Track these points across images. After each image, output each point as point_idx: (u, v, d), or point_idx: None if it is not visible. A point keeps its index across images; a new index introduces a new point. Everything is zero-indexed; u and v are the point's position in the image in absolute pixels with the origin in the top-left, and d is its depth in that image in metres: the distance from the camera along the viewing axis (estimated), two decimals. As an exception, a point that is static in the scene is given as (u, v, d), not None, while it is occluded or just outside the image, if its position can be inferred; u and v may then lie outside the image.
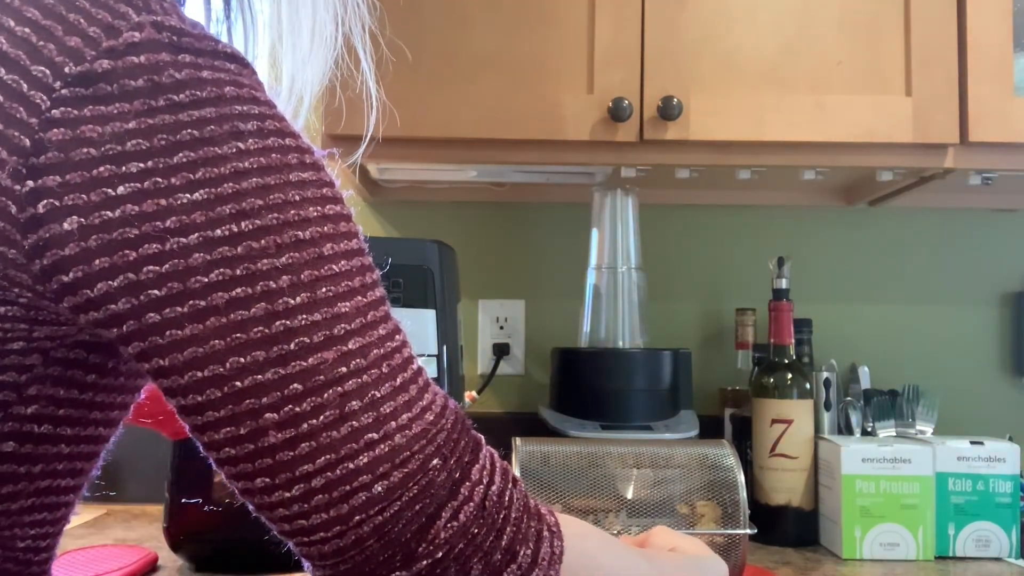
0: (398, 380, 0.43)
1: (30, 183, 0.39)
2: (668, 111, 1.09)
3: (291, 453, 0.40)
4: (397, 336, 0.45)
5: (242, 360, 0.40)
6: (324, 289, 0.42)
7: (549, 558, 0.45)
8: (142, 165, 0.39)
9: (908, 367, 1.45)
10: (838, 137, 1.12)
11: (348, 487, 0.41)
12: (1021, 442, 1.12)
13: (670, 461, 1.03)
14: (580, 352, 1.26)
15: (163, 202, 0.40)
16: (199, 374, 0.40)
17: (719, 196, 1.45)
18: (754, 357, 1.33)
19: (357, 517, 0.41)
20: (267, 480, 0.41)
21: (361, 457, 0.41)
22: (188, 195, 0.40)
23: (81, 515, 1.26)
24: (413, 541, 0.41)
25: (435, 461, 0.43)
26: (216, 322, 0.40)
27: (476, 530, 0.43)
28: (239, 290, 0.40)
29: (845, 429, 1.24)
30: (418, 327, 1.07)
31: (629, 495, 0.98)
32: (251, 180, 0.41)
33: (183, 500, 0.98)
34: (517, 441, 1.01)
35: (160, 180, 0.40)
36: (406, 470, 0.42)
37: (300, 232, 0.42)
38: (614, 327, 1.28)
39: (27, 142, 0.39)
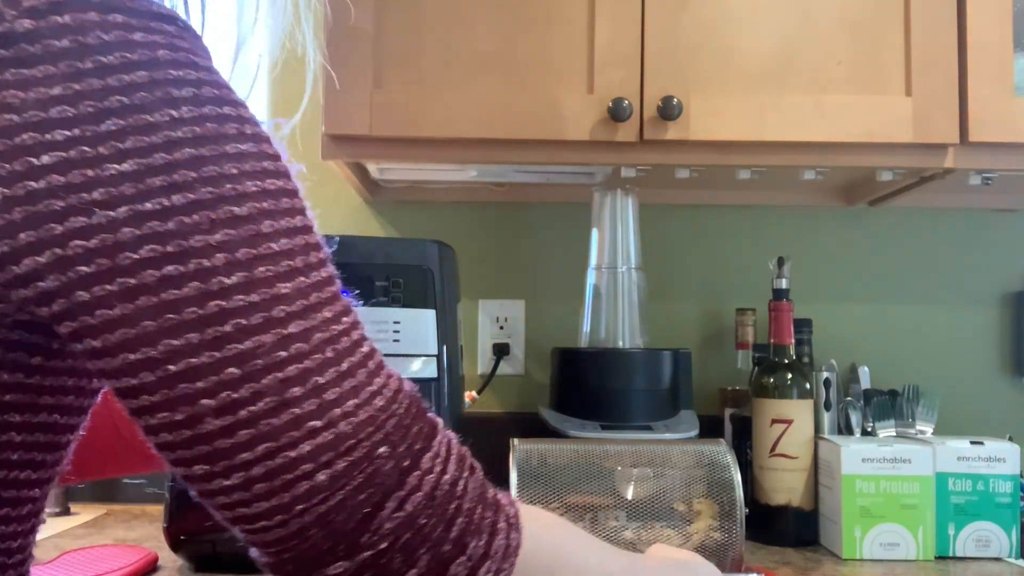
0: (344, 365, 0.41)
1: None
2: (668, 111, 1.09)
3: (229, 441, 0.39)
4: (344, 318, 0.43)
5: (175, 342, 0.38)
6: (263, 268, 0.40)
7: (503, 551, 0.43)
8: (68, 133, 0.37)
9: (908, 367, 1.45)
10: (838, 137, 1.11)
11: (289, 476, 0.39)
12: (1021, 442, 1.12)
13: (668, 461, 1.03)
14: (580, 352, 1.26)
15: (90, 172, 0.38)
16: (131, 356, 0.38)
17: (719, 196, 1.45)
18: (754, 357, 1.33)
19: (299, 507, 0.39)
20: (206, 467, 0.39)
21: (303, 445, 0.39)
22: (116, 166, 0.38)
23: (81, 515, 1.26)
24: (357, 531, 0.40)
25: (382, 449, 0.41)
26: (147, 301, 0.38)
27: (424, 520, 0.41)
28: (170, 268, 0.38)
29: (845, 429, 1.24)
30: (418, 327, 1.07)
31: (628, 495, 0.98)
32: (184, 151, 0.39)
33: (183, 500, 0.98)
34: (515, 441, 1.02)
35: (87, 149, 0.38)
36: (351, 459, 0.40)
37: (236, 208, 0.40)
38: (614, 327, 1.28)
39: None
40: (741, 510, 0.97)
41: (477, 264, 1.47)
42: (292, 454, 0.39)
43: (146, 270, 0.38)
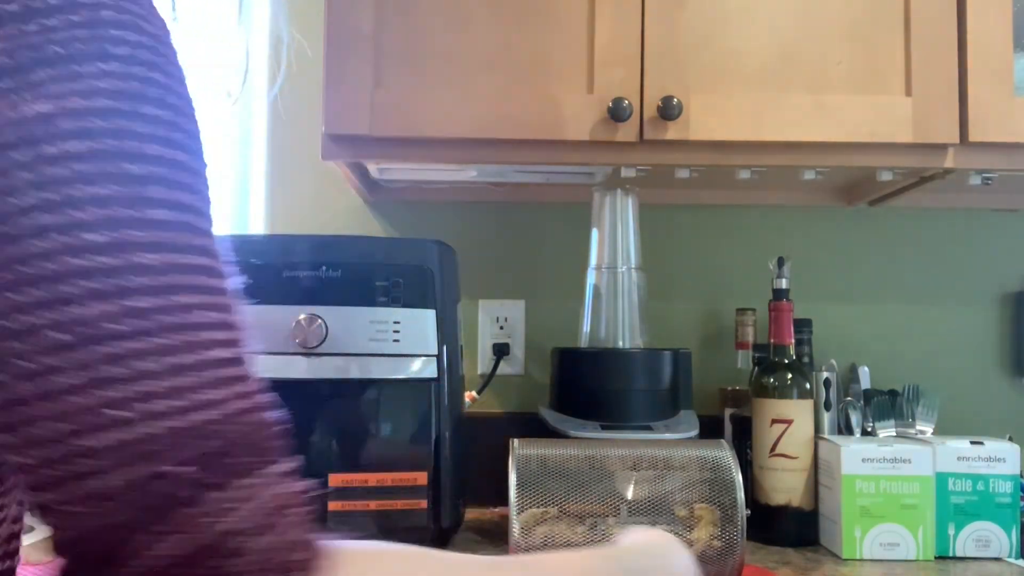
0: (185, 359, 0.37)
1: None
2: (668, 111, 1.09)
3: (27, 411, 0.35)
4: (212, 313, 0.38)
5: (15, 298, 0.35)
6: (133, 232, 0.37)
7: None
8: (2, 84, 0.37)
9: (908, 367, 1.45)
10: (838, 137, 1.11)
11: (74, 468, 0.34)
12: (1021, 442, 1.12)
13: (668, 462, 1.03)
14: (580, 352, 1.26)
15: (10, 114, 0.37)
16: None
17: (719, 196, 1.45)
18: (754, 357, 1.33)
19: (68, 507, 0.35)
20: (6, 436, 0.35)
21: (96, 437, 0.34)
22: (34, 106, 0.37)
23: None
24: (121, 553, 0.34)
25: (167, 467, 0.35)
26: (19, 249, 0.35)
27: (175, 573, 0.35)
28: (46, 217, 0.35)
29: (845, 429, 1.24)
30: (418, 327, 1.07)
31: (628, 497, 0.98)
32: (100, 101, 0.38)
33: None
34: (515, 442, 1.01)
35: (14, 95, 0.37)
36: (148, 470, 0.35)
37: (132, 165, 0.38)
38: (614, 327, 1.28)
39: None
40: (743, 513, 0.96)
41: (477, 264, 1.46)
42: (81, 443, 0.34)
43: (19, 218, 0.36)
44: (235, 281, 0.41)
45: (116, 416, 0.35)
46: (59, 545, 0.36)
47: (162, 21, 0.43)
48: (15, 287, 0.35)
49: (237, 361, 0.39)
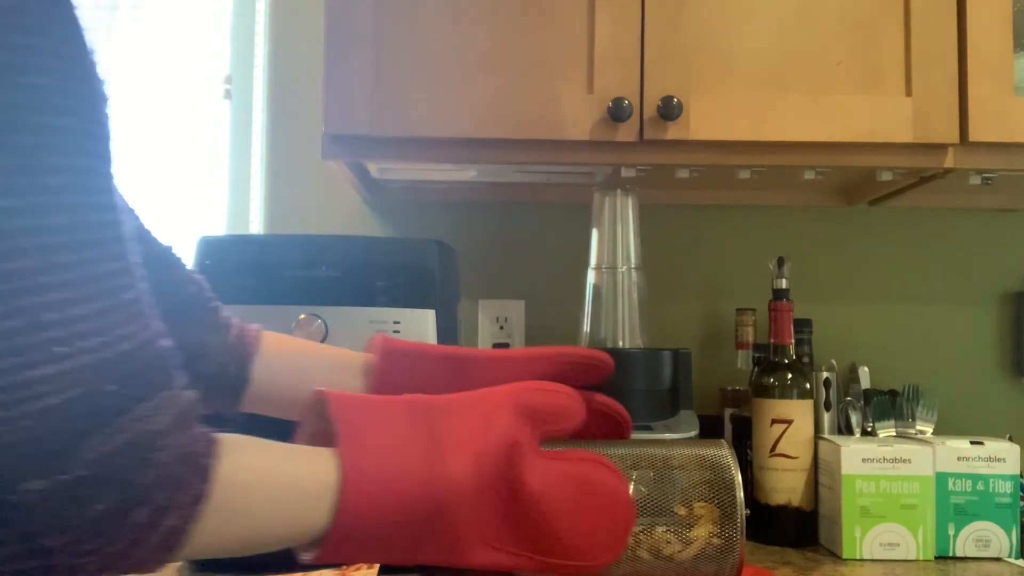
0: (103, 304, 0.44)
1: None
2: (668, 111, 1.09)
3: None
4: (113, 262, 0.45)
5: None
6: (38, 198, 0.42)
7: (189, 501, 0.46)
8: None
9: (908, 367, 1.45)
10: (838, 137, 1.11)
11: (27, 392, 0.41)
12: (1021, 442, 1.12)
13: (668, 461, 1.02)
14: (580, 352, 1.25)
15: None
16: None
17: (719, 196, 1.45)
18: (754, 357, 1.33)
19: (25, 423, 0.41)
20: None
21: (45, 368, 0.41)
22: None
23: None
24: (62, 455, 0.42)
25: (111, 387, 0.44)
26: None
27: (122, 461, 0.44)
28: None
29: (845, 429, 1.24)
30: (418, 327, 1.07)
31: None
32: None
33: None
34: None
35: None
36: (83, 390, 0.42)
37: (20, 136, 0.42)
38: (614, 327, 1.27)
39: None
40: (742, 513, 0.96)
41: (477, 264, 1.46)
42: (33, 373, 0.41)
43: None
44: (130, 223, 0.48)
45: (59, 351, 0.42)
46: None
47: None
48: None
49: (138, 301, 0.46)
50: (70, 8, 0.44)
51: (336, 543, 0.53)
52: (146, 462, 0.44)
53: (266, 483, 0.51)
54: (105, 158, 0.46)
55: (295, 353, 0.78)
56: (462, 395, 0.62)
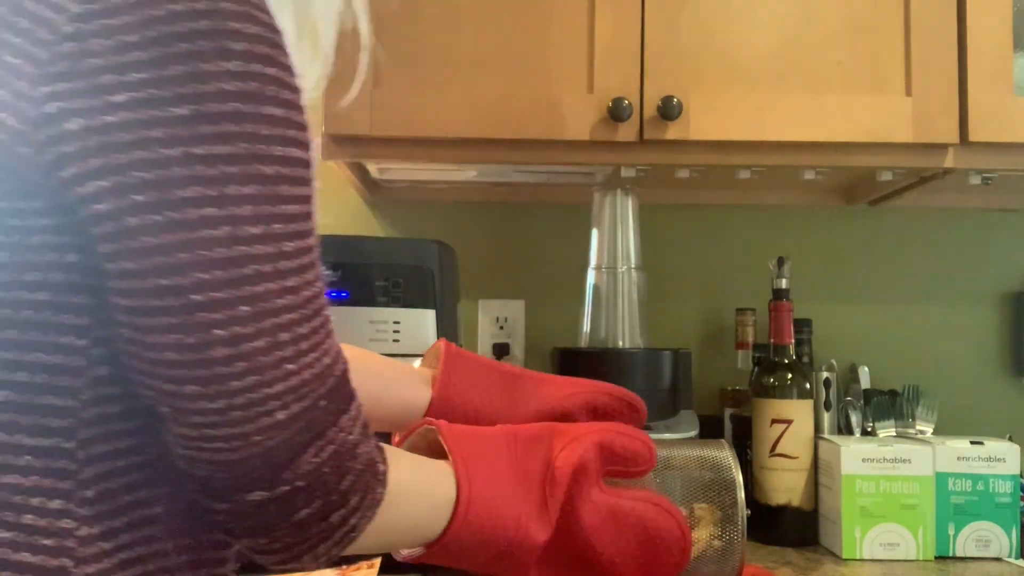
0: (315, 323, 0.48)
1: (45, 88, 0.43)
2: (668, 111, 1.09)
3: (227, 369, 0.44)
4: (319, 284, 0.49)
5: (202, 276, 0.43)
6: (277, 226, 0.45)
7: (370, 504, 0.50)
8: (140, 76, 0.42)
9: (908, 367, 1.44)
10: (838, 137, 1.11)
11: (261, 409, 0.45)
12: (1021, 442, 1.12)
13: (668, 462, 1.02)
14: (580, 352, 1.25)
15: (155, 113, 0.42)
16: (162, 282, 0.43)
17: (719, 196, 1.45)
18: (754, 357, 1.33)
19: (256, 438, 0.45)
20: (197, 388, 0.44)
21: (277, 385, 0.45)
22: (176, 108, 0.43)
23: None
24: (283, 467, 0.46)
25: (323, 402, 0.47)
26: (185, 236, 0.43)
27: (327, 470, 0.47)
28: (210, 210, 0.43)
29: (845, 429, 1.24)
30: (418, 327, 1.07)
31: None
32: (230, 104, 0.43)
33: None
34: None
35: (154, 91, 0.42)
36: (303, 404, 0.46)
37: (264, 167, 0.45)
38: (614, 327, 1.27)
39: (45, 55, 0.43)
40: (743, 513, 0.96)
41: (477, 264, 1.46)
42: (269, 391, 0.45)
43: (189, 208, 0.43)
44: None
45: (288, 368, 0.46)
46: (215, 466, 0.46)
47: (266, 7, 0.46)
48: (202, 267, 0.43)
49: (329, 318, 0.50)
50: (283, 38, 0.47)
51: (438, 548, 0.57)
52: (346, 470, 0.48)
53: (410, 490, 0.55)
54: (312, 187, 0.49)
55: (371, 365, 0.80)
56: (549, 427, 0.66)
